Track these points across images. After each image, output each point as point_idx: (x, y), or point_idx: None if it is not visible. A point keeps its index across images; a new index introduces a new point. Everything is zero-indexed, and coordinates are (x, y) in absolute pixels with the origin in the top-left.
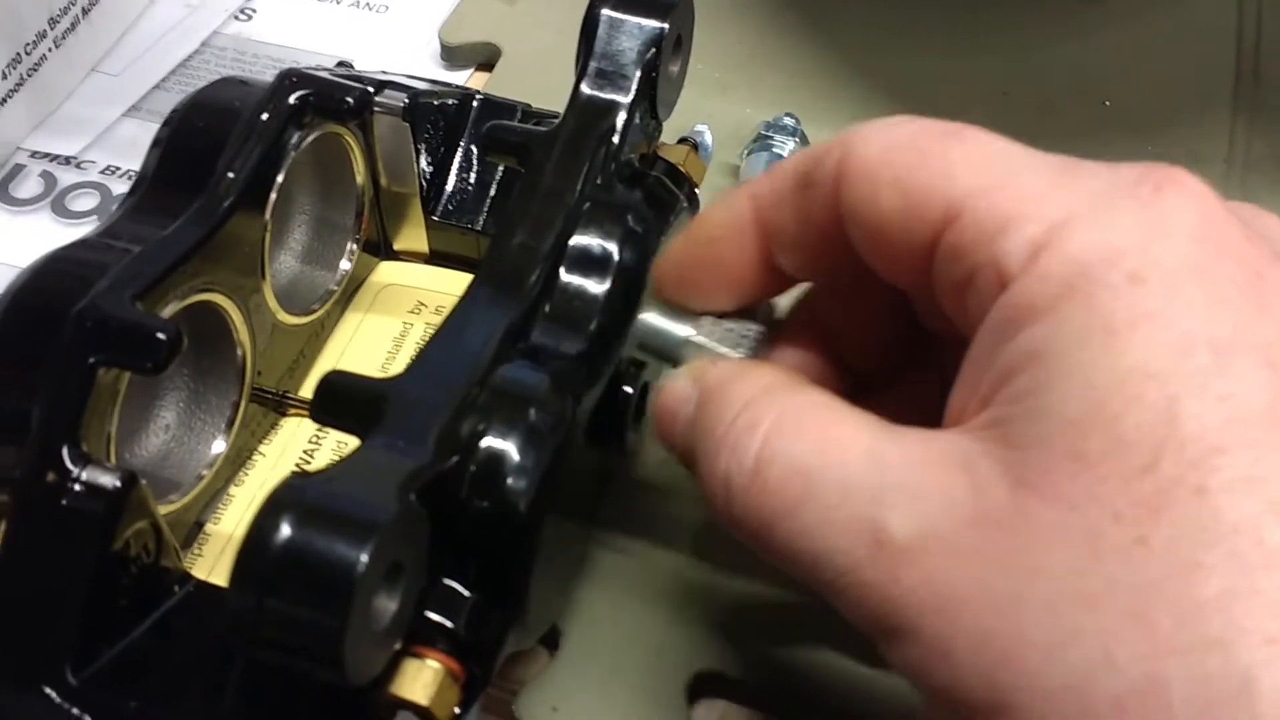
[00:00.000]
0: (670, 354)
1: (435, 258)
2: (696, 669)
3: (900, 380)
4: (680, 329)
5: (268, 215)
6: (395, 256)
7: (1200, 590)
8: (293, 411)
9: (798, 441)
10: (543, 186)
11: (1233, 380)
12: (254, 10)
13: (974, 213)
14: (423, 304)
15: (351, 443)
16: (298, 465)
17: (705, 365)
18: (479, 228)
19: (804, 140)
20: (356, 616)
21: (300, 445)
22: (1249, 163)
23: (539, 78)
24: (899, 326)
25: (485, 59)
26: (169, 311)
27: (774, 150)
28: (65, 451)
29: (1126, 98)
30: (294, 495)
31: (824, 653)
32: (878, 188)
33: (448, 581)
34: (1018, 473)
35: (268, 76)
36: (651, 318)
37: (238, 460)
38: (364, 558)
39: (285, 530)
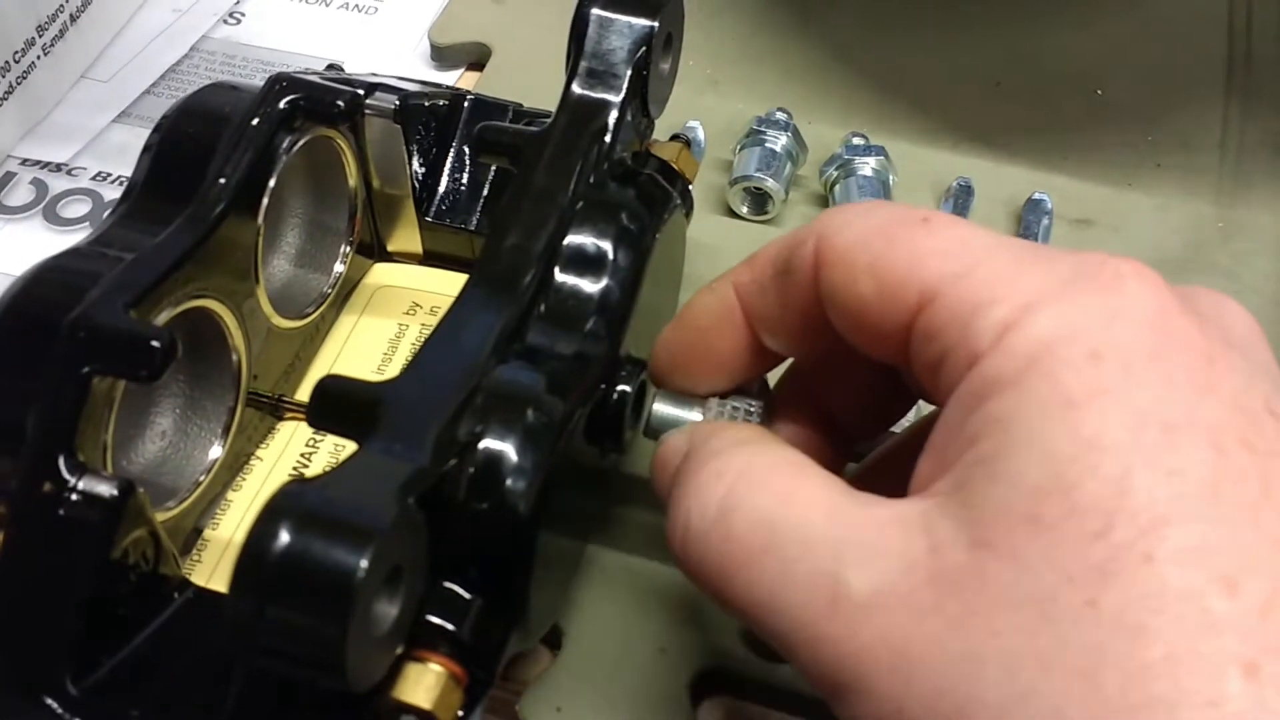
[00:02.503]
0: None
1: (429, 258)
2: (700, 667)
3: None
4: (689, 414)
5: (260, 220)
6: (389, 258)
7: (1146, 653)
8: (289, 415)
9: (762, 494)
10: (535, 187)
11: (1181, 457)
12: (243, 14)
13: (947, 298)
14: (418, 305)
15: (349, 445)
16: (295, 468)
17: (700, 423)
18: (472, 227)
19: (796, 134)
20: (357, 623)
21: (298, 449)
22: (1242, 148)
23: (530, 76)
24: (886, 392)
25: (476, 59)
26: (163, 318)
27: (766, 145)
28: (61, 461)
29: (1119, 86)
30: (291, 502)
31: None
32: (855, 274)
33: (448, 584)
34: (976, 533)
35: (258, 80)
36: (661, 407)
37: (235, 465)
38: (363, 564)
39: (284, 537)
